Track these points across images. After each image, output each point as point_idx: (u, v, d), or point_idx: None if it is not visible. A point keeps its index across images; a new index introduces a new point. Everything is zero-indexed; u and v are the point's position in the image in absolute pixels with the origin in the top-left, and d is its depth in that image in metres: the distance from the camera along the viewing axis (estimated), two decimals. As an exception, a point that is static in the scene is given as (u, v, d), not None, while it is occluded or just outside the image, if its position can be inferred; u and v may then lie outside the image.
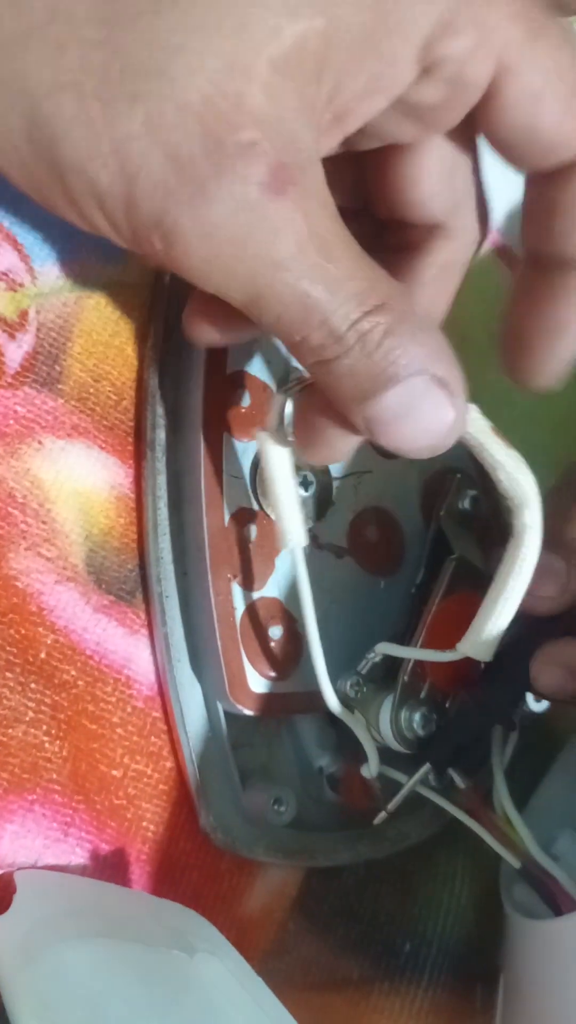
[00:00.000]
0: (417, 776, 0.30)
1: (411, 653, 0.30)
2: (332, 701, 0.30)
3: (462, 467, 0.34)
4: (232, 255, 0.22)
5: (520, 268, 0.28)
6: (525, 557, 0.26)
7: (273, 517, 0.29)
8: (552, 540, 0.30)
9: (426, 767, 0.30)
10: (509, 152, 0.26)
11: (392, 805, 0.31)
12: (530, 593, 0.30)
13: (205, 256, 0.22)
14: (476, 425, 0.26)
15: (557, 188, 0.26)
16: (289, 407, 0.31)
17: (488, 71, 0.23)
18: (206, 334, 0.27)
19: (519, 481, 0.26)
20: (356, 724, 0.30)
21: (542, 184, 0.26)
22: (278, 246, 0.22)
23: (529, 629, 0.30)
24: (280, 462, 0.28)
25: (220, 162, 0.21)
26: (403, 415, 0.23)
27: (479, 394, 0.38)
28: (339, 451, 0.27)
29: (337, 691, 0.30)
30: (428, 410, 0.24)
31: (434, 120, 0.25)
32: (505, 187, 0.39)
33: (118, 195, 0.21)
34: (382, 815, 0.31)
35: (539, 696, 0.31)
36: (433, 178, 0.26)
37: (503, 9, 0.23)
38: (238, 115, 0.21)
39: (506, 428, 0.40)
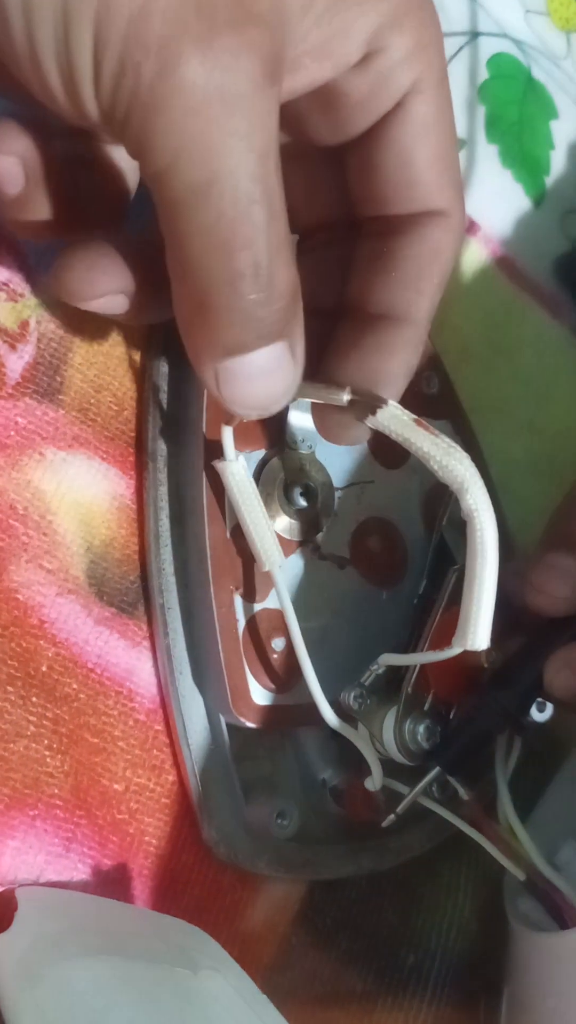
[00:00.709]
0: (425, 781, 0.30)
1: (413, 659, 0.30)
2: (331, 718, 0.29)
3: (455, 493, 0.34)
4: (217, 116, 0.20)
5: (340, 319, 0.28)
6: (483, 538, 0.26)
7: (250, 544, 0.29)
8: (563, 540, 0.29)
9: (435, 771, 0.30)
10: (372, 187, 0.26)
11: (401, 808, 0.30)
12: (542, 593, 0.30)
13: (190, 105, 0.20)
14: (398, 421, 0.26)
15: (398, 242, 0.26)
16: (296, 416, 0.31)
17: (408, 82, 0.24)
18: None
19: (451, 467, 0.26)
20: (358, 738, 0.30)
21: (383, 237, 0.26)
22: (262, 137, 0.21)
23: (540, 633, 0.30)
24: (242, 491, 0.28)
25: (238, 19, 0.20)
26: (258, 376, 0.23)
27: (480, 405, 0.38)
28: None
29: (340, 703, 0.30)
30: (280, 376, 0.24)
31: (349, 120, 0.25)
32: (509, 202, 0.39)
33: (129, 5, 0.20)
34: (391, 818, 0.31)
35: (553, 701, 0.31)
36: (422, 162, 0.26)
37: (436, 34, 0.24)
38: None
39: (508, 437, 0.40)
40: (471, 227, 0.39)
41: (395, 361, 0.26)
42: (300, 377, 0.25)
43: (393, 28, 0.23)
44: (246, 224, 0.21)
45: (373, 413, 0.26)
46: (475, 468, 0.26)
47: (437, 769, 0.30)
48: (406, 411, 0.26)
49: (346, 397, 0.26)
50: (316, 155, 0.27)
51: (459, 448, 0.26)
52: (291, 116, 0.25)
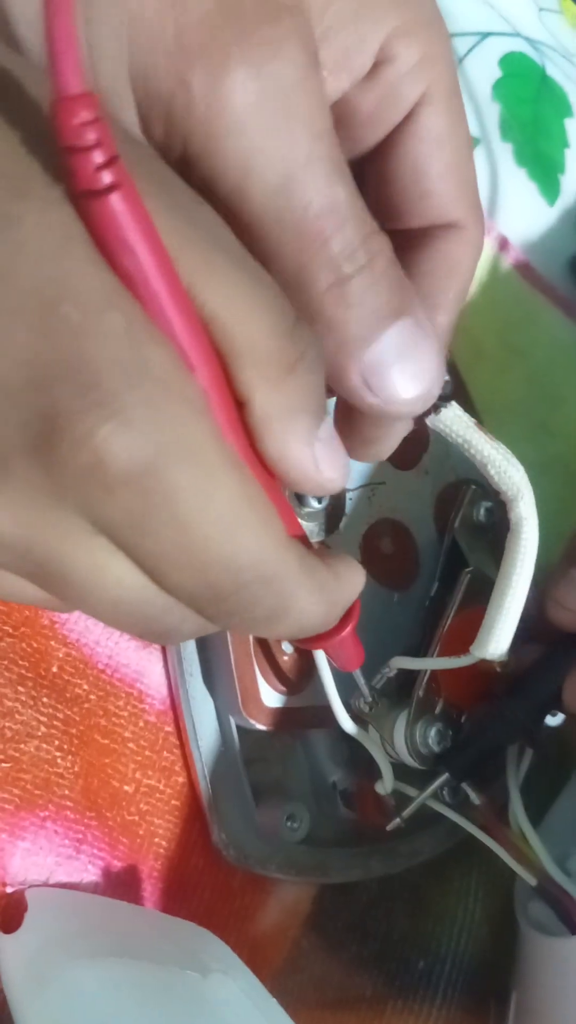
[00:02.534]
0: (436, 784, 0.30)
1: (425, 664, 0.30)
2: (344, 720, 0.29)
3: (476, 478, 0.34)
4: (278, 112, 0.20)
5: None
6: (526, 549, 0.26)
7: None
8: None
9: (445, 776, 0.30)
10: (387, 200, 0.25)
11: (407, 812, 0.30)
12: (564, 608, 0.30)
13: (248, 103, 0.20)
14: (461, 422, 0.26)
15: (415, 257, 0.25)
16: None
17: (417, 93, 0.24)
18: None
19: (509, 474, 0.26)
20: (369, 742, 0.30)
21: (401, 251, 0.26)
22: (321, 118, 0.21)
23: (558, 646, 0.30)
24: None
25: (271, 13, 0.20)
26: (398, 358, 0.22)
27: (493, 406, 0.38)
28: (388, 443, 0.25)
29: (351, 707, 0.30)
30: (421, 353, 0.22)
31: (361, 134, 0.25)
32: (523, 200, 0.39)
33: (162, 26, 0.20)
34: (396, 822, 0.30)
35: (570, 716, 0.30)
36: (435, 174, 0.26)
37: (446, 47, 0.24)
38: None
39: (521, 439, 0.39)
40: (485, 226, 0.39)
41: None
42: (444, 355, 0.24)
43: (401, 39, 0.23)
44: (332, 205, 0.21)
45: (436, 412, 0.26)
46: (527, 480, 0.26)
47: (446, 775, 0.30)
48: (466, 413, 0.26)
49: None
50: None
51: (514, 456, 0.26)
52: None
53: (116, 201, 0.16)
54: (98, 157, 0.16)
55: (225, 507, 0.17)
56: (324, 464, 0.19)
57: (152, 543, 0.17)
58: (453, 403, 0.26)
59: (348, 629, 0.22)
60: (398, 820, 0.30)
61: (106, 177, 0.16)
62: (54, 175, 0.17)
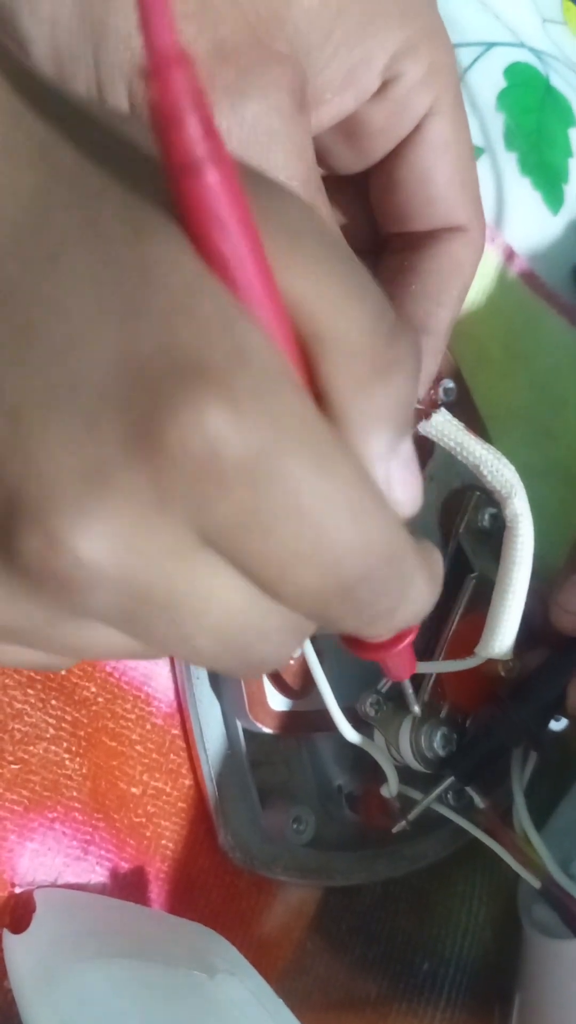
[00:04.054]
0: (441, 788, 0.30)
1: (431, 667, 0.30)
2: (347, 732, 0.29)
3: (481, 485, 0.34)
4: (255, 154, 0.21)
5: None
6: (523, 546, 0.27)
7: None
8: None
9: (450, 779, 0.30)
10: (394, 206, 0.26)
11: (413, 815, 0.30)
12: (568, 613, 0.30)
13: (229, 149, 0.20)
14: (451, 426, 0.27)
15: (419, 256, 0.26)
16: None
17: (425, 105, 0.25)
18: None
19: (502, 472, 0.27)
20: (373, 747, 0.30)
21: (405, 252, 0.27)
22: (300, 166, 0.21)
23: (562, 651, 0.30)
24: None
25: (261, 60, 0.21)
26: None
27: (497, 411, 0.38)
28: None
29: (356, 710, 0.30)
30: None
31: (371, 147, 0.25)
32: (527, 209, 0.40)
33: None
34: (402, 824, 0.31)
35: (574, 721, 0.31)
36: (441, 180, 0.26)
37: (450, 58, 0.25)
38: (278, 28, 0.21)
39: (524, 444, 0.40)
40: (490, 234, 0.39)
41: None
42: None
43: (407, 55, 0.24)
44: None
45: (427, 418, 0.26)
46: (519, 478, 0.27)
47: (451, 778, 0.30)
48: (455, 418, 0.27)
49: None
50: (340, 181, 0.27)
51: (504, 457, 0.27)
52: (317, 149, 0.26)
53: (214, 176, 0.14)
54: (196, 126, 0.14)
55: (348, 491, 0.15)
56: (398, 484, 0.17)
57: (274, 544, 0.15)
58: (442, 409, 0.27)
59: (413, 635, 0.21)
60: (403, 823, 0.31)
61: (204, 148, 0.14)
62: (131, 178, 0.16)
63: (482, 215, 0.27)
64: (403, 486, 0.17)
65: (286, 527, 0.15)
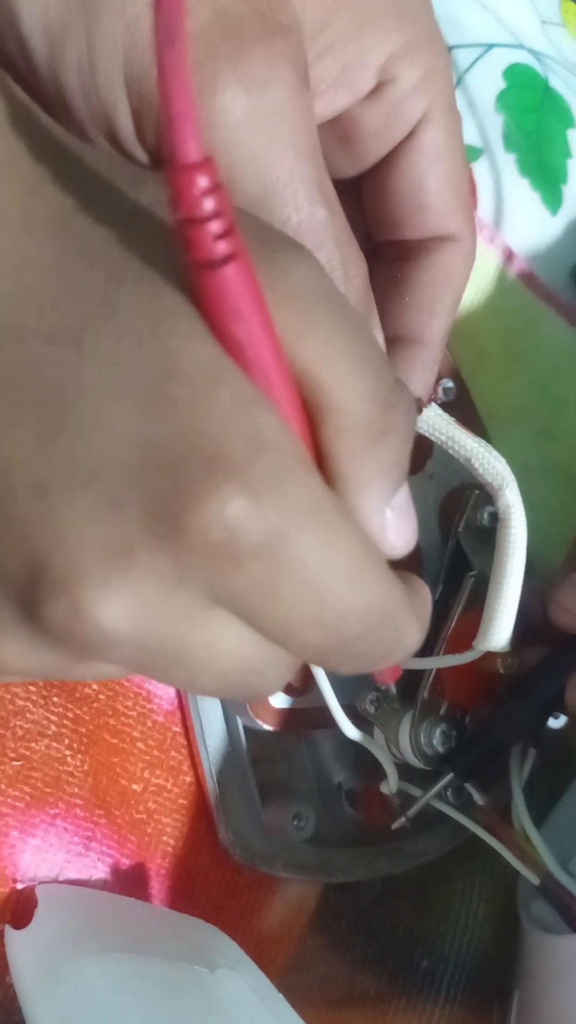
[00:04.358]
0: (440, 784, 0.30)
1: (430, 663, 0.30)
2: (348, 730, 0.29)
3: (480, 483, 0.34)
4: (264, 130, 0.21)
5: None
6: (516, 536, 0.27)
7: None
8: None
9: (449, 776, 0.30)
10: (386, 213, 0.26)
11: (412, 811, 0.31)
12: (567, 611, 0.30)
13: (236, 120, 0.20)
14: (440, 421, 0.27)
15: (412, 267, 0.26)
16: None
17: (420, 111, 0.25)
18: None
19: (493, 465, 0.27)
20: (373, 745, 0.30)
21: (397, 262, 0.27)
22: (307, 138, 0.21)
23: (561, 649, 0.30)
24: None
25: (265, 31, 0.21)
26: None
27: (496, 412, 0.38)
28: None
29: (356, 707, 0.30)
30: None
31: (365, 150, 0.25)
32: (526, 210, 0.40)
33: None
34: (401, 820, 0.31)
35: (573, 718, 0.31)
36: (434, 188, 0.26)
37: (446, 64, 0.25)
38: (280, 3, 0.21)
39: (523, 444, 0.40)
40: (489, 235, 0.39)
41: (412, 381, 0.27)
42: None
43: (403, 59, 0.24)
44: (311, 225, 0.21)
45: (418, 413, 0.27)
46: (510, 469, 0.27)
47: (450, 775, 0.30)
48: (444, 412, 0.27)
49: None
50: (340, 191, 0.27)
51: (495, 450, 0.27)
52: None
53: (232, 272, 0.15)
54: (216, 227, 0.15)
55: (350, 559, 0.17)
56: (392, 532, 0.19)
57: (282, 609, 0.17)
58: (433, 404, 0.27)
59: None
60: (403, 819, 0.31)
61: (224, 247, 0.15)
62: (147, 252, 0.16)
63: (474, 224, 0.27)
64: (397, 533, 0.19)
65: (294, 594, 0.16)
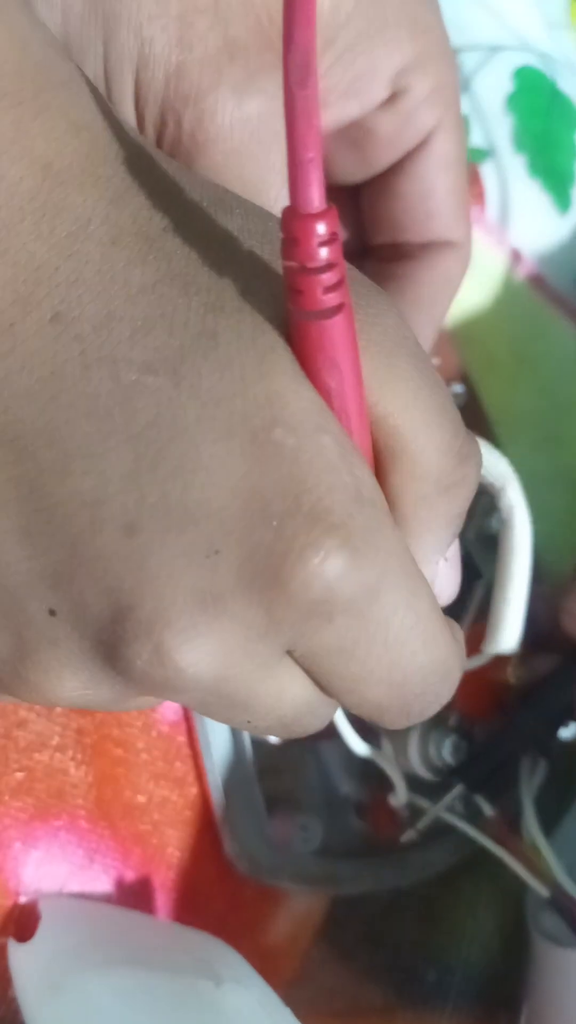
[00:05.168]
0: (450, 796, 0.30)
1: None
2: (356, 745, 0.29)
3: (489, 489, 0.34)
4: (256, 154, 0.21)
5: None
6: (519, 535, 0.27)
7: None
8: None
9: (459, 788, 0.30)
10: (391, 216, 0.26)
11: (422, 824, 0.30)
12: (573, 617, 0.30)
13: (230, 148, 0.20)
14: None
15: (412, 268, 0.26)
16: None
17: (433, 121, 0.25)
18: None
19: (495, 464, 0.27)
20: (382, 758, 0.30)
21: (395, 261, 0.27)
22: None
23: (571, 657, 0.30)
24: None
25: (270, 61, 0.21)
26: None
27: (505, 416, 0.38)
28: None
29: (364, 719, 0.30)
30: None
31: (377, 156, 0.25)
32: (536, 212, 0.39)
33: (166, 62, 0.20)
34: (410, 833, 0.31)
35: None
36: (441, 195, 0.26)
37: (454, 77, 0.25)
38: None
39: (532, 450, 0.39)
40: (497, 237, 0.39)
41: None
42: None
43: (416, 70, 0.24)
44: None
45: None
46: (512, 469, 0.27)
47: (460, 786, 0.30)
48: None
49: None
50: (333, 189, 0.27)
51: (497, 451, 0.27)
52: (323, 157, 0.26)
53: (339, 323, 0.15)
54: (331, 278, 0.15)
55: (428, 618, 0.17)
56: (442, 582, 0.19)
57: (355, 666, 0.16)
58: None
59: None
60: (412, 832, 0.30)
61: (335, 299, 0.15)
62: (244, 283, 0.16)
63: (471, 232, 0.27)
64: (445, 582, 0.19)
65: (370, 652, 0.16)
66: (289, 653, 0.16)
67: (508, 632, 0.27)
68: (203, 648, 0.15)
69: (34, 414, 0.15)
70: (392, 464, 0.17)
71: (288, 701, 0.17)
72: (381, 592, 0.16)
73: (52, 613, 0.16)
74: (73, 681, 0.16)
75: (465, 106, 0.38)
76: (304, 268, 0.14)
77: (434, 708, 0.18)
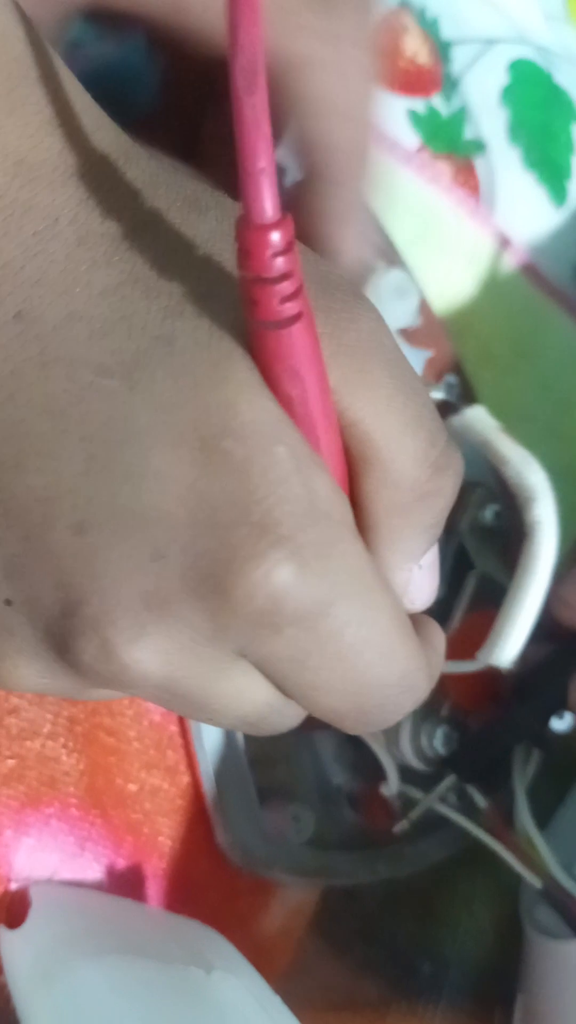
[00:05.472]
0: (442, 786, 0.30)
1: None
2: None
3: (484, 480, 0.34)
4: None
5: None
6: (540, 553, 0.26)
7: None
8: None
9: (451, 778, 0.30)
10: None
11: (414, 814, 0.30)
12: (567, 605, 0.30)
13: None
14: (484, 423, 0.26)
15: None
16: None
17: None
18: None
19: (527, 476, 0.26)
20: (375, 742, 0.30)
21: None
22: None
23: (565, 647, 0.30)
24: None
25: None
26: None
27: (502, 411, 0.38)
28: None
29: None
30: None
31: None
32: (532, 205, 0.39)
33: None
34: (403, 823, 0.30)
35: None
36: None
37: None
38: None
39: (530, 444, 0.39)
40: (483, 218, 0.39)
41: (344, 233, 0.25)
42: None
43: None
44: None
45: (458, 412, 0.26)
46: (547, 483, 0.26)
47: (453, 776, 0.30)
48: (490, 415, 0.27)
49: (437, 395, 0.27)
50: None
51: (536, 461, 0.26)
52: None
53: (298, 332, 0.15)
54: (287, 288, 0.14)
55: (385, 632, 0.16)
56: (415, 589, 0.18)
57: (309, 675, 0.16)
58: (479, 407, 0.26)
59: None
60: (404, 822, 0.30)
61: (292, 308, 0.14)
62: (206, 288, 0.16)
63: (339, 40, 0.23)
64: (419, 591, 0.18)
65: (324, 664, 0.16)
66: (244, 657, 0.16)
67: (508, 649, 0.26)
68: (148, 647, 0.15)
69: None
70: (364, 471, 0.17)
71: (248, 701, 0.17)
72: (333, 605, 0.16)
73: (8, 603, 0.16)
74: (28, 669, 0.17)
75: (460, 99, 0.38)
76: (259, 279, 0.14)
77: (396, 717, 0.18)
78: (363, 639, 0.16)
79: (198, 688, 0.16)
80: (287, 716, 0.18)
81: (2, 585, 0.16)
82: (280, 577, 0.15)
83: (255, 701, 0.17)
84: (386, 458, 0.17)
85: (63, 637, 0.16)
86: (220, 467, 0.15)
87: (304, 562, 0.15)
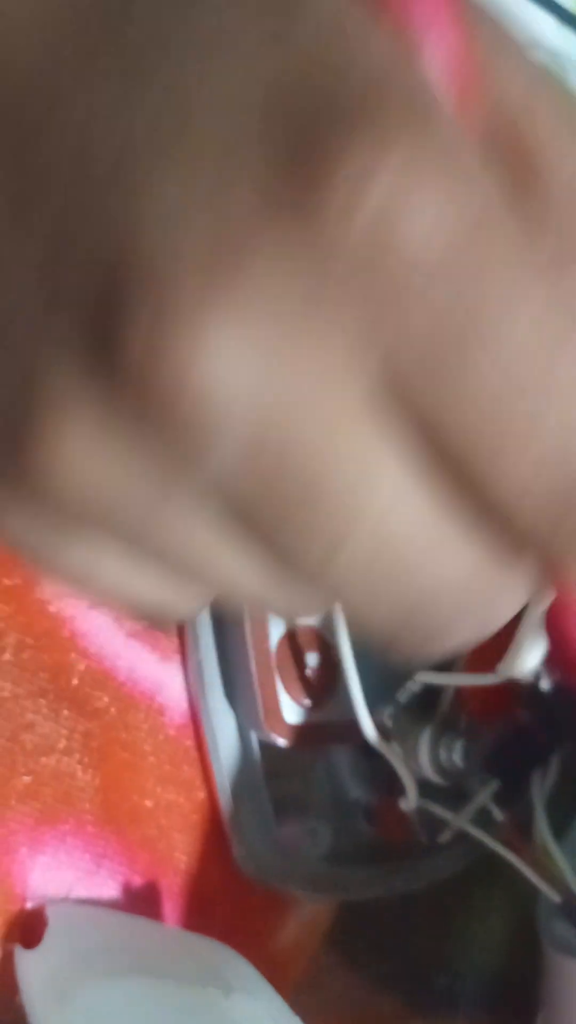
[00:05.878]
0: (486, 792, 0.30)
1: (451, 679, 0.30)
2: (370, 731, 0.29)
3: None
4: None
5: None
6: None
7: None
8: None
9: (495, 784, 0.29)
10: None
11: (443, 837, 0.30)
12: None
13: None
14: None
15: None
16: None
17: None
18: None
19: None
20: (394, 755, 0.29)
21: None
22: None
23: None
24: None
25: None
26: None
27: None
28: None
29: (374, 721, 0.29)
30: None
31: None
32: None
33: None
34: (445, 834, 0.30)
35: None
36: None
37: None
38: None
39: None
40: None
41: None
42: None
43: None
44: None
45: None
46: None
47: (487, 792, 0.30)
48: None
49: None
50: None
51: None
52: None
53: None
54: None
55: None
56: None
57: (477, 399, 0.10)
58: None
59: None
60: (443, 835, 0.30)
61: None
62: None
63: None
64: None
65: (495, 369, 0.10)
66: (382, 412, 0.10)
67: (530, 660, 0.26)
68: (224, 329, 0.10)
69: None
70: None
71: (393, 501, 0.11)
72: (483, 248, 0.10)
73: (49, 307, 0.11)
74: (78, 430, 0.11)
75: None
76: None
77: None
78: (550, 325, 0.10)
79: (315, 442, 0.10)
80: (462, 579, 0.12)
81: (42, 286, 0.11)
82: (387, 177, 0.10)
83: (405, 504, 0.11)
84: (547, 157, 0.11)
85: (104, 350, 0.10)
86: (291, 48, 0.10)
87: (420, 168, 0.10)
